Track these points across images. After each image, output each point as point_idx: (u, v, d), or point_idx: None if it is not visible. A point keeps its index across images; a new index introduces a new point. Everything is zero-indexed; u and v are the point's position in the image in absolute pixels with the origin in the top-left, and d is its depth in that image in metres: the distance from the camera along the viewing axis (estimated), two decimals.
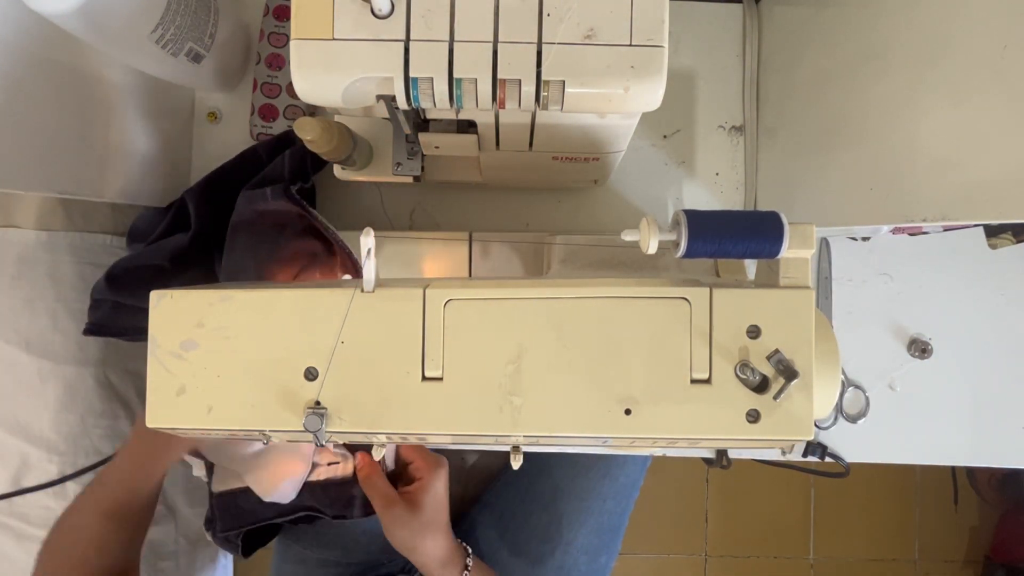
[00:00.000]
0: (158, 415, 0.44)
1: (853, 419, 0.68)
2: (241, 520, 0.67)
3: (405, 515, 0.60)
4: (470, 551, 0.66)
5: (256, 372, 0.43)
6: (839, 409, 0.68)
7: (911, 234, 0.67)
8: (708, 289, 0.42)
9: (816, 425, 0.68)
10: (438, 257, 0.64)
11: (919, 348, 0.68)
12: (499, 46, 0.38)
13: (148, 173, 0.64)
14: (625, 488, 0.83)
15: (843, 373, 0.68)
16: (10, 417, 0.73)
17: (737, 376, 0.41)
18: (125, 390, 0.80)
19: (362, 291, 0.43)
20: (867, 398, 0.68)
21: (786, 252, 0.41)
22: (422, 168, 0.60)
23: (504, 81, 0.38)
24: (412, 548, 0.61)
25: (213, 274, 0.66)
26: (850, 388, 0.68)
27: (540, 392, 0.42)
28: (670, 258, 0.42)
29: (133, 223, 0.70)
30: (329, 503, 0.65)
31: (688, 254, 0.40)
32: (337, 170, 0.62)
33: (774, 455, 0.68)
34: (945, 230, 0.65)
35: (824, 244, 0.68)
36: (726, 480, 1.56)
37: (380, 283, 0.43)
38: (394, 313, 0.43)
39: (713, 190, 0.69)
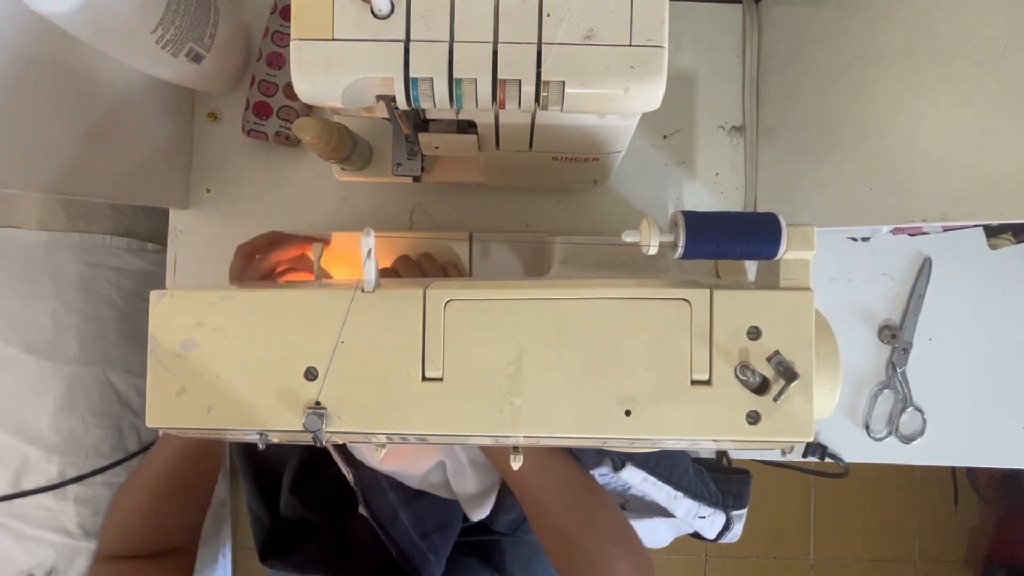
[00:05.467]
0: (158, 415, 0.44)
1: (907, 440, 0.68)
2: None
3: None
4: None
5: (256, 372, 0.43)
6: (895, 428, 0.68)
7: (911, 234, 0.67)
8: (708, 290, 0.42)
9: (871, 436, 0.68)
10: (438, 257, 0.64)
11: (888, 334, 0.68)
12: (499, 46, 0.38)
13: (148, 173, 0.64)
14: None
15: (909, 396, 0.68)
16: (10, 417, 0.73)
17: (737, 377, 0.41)
18: (125, 390, 0.80)
19: (362, 291, 0.43)
20: (925, 420, 0.68)
21: (787, 254, 0.41)
22: (422, 168, 0.60)
23: (504, 81, 0.38)
24: None
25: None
26: (909, 408, 0.68)
27: (540, 393, 0.42)
28: (670, 259, 0.42)
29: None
30: None
31: (687, 255, 0.40)
32: (337, 170, 0.63)
33: (774, 456, 0.68)
34: (945, 230, 0.65)
35: (927, 263, 0.68)
36: None
37: (380, 283, 0.43)
38: (394, 313, 0.43)
39: (713, 190, 0.69)
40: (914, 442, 0.68)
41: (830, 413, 0.50)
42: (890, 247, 0.69)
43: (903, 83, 0.49)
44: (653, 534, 0.76)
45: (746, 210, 0.68)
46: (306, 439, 0.44)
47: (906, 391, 0.67)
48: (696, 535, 0.75)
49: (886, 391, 0.68)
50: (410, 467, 0.67)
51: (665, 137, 0.69)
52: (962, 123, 0.44)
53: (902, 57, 0.49)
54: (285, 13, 0.67)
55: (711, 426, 0.41)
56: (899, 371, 0.67)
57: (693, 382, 0.41)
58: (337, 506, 0.72)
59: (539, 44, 0.38)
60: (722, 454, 0.75)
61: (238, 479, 1.40)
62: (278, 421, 0.43)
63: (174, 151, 0.67)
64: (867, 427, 0.68)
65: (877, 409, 0.68)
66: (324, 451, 0.74)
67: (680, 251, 0.40)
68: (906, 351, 0.68)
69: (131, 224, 0.82)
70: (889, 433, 0.68)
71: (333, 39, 0.38)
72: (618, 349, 0.42)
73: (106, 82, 0.59)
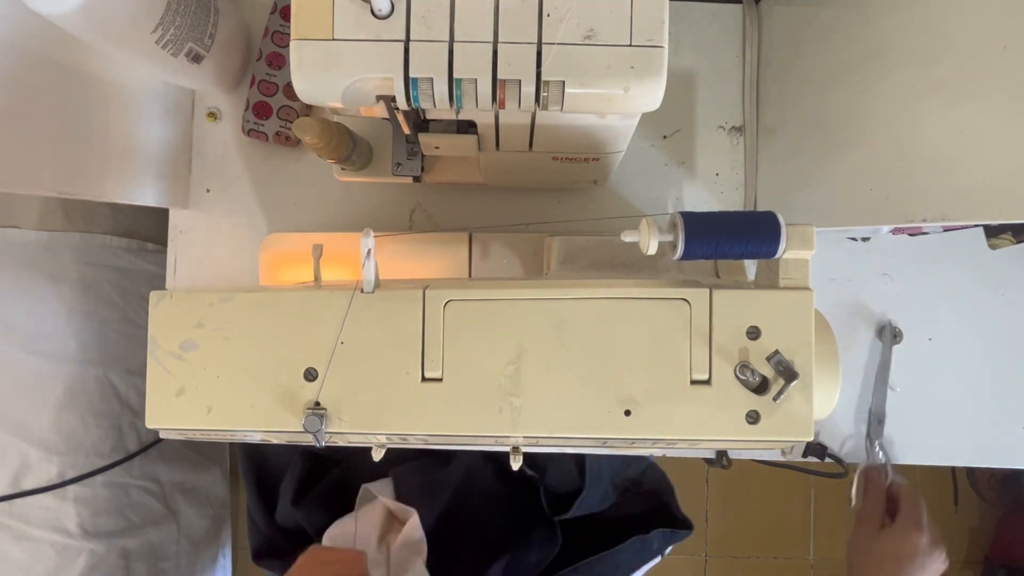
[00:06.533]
0: (158, 416, 0.44)
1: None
2: None
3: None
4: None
5: (256, 372, 0.43)
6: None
7: (911, 234, 0.66)
8: (708, 290, 0.42)
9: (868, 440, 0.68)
10: (438, 257, 0.64)
11: (891, 334, 0.68)
12: (499, 46, 0.38)
13: (148, 173, 0.64)
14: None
15: (889, 459, 0.68)
16: (10, 417, 0.73)
17: (737, 377, 0.41)
18: (125, 390, 0.80)
19: (362, 291, 0.43)
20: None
21: (786, 253, 0.41)
22: (422, 168, 0.60)
23: (504, 81, 0.38)
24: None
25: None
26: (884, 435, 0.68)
27: (540, 393, 0.42)
28: (670, 259, 0.42)
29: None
30: None
31: (686, 256, 0.40)
32: (336, 170, 0.63)
33: (774, 455, 0.68)
34: (945, 230, 0.65)
35: (888, 328, 0.68)
36: (726, 480, 1.56)
37: (380, 284, 0.43)
38: (394, 314, 0.43)
39: (713, 190, 0.69)
40: (909, 441, 0.68)
41: (830, 413, 0.50)
42: (890, 247, 0.69)
43: (903, 83, 0.49)
44: None
45: (746, 210, 0.68)
46: (306, 439, 0.44)
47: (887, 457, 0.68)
48: None
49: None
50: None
51: (665, 137, 0.69)
52: (962, 123, 0.44)
53: (902, 57, 0.49)
54: (285, 13, 0.67)
55: (711, 426, 0.41)
56: (876, 443, 0.68)
57: (693, 382, 0.42)
58: (336, 515, 0.72)
59: (539, 44, 0.38)
60: (722, 454, 0.75)
61: (239, 480, 1.40)
62: (278, 422, 0.43)
63: (174, 151, 0.67)
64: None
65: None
66: (326, 455, 0.74)
67: (679, 252, 0.40)
68: (880, 422, 0.68)
69: (131, 224, 0.83)
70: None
71: (333, 39, 0.38)
72: (618, 349, 0.42)
73: (106, 82, 0.59)
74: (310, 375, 0.43)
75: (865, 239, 0.68)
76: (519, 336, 0.42)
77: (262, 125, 0.67)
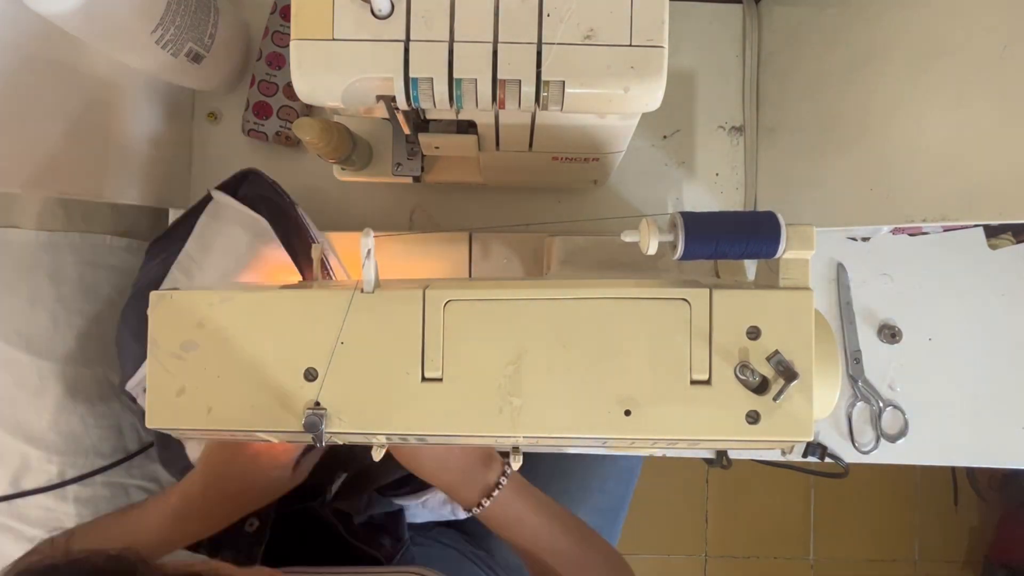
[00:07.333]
0: (158, 416, 0.44)
1: (893, 439, 0.68)
2: None
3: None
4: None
5: (256, 373, 0.43)
6: (879, 430, 0.68)
7: (911, 234, 0.67)
8: (708, 290, 0.42)
9: (858, 449, 0.68)
10: (438, 257, 0.64)
11: (888, 333, 0.68)
12: (499, 46, 0.38)
13: (148, 173, 0.64)
14: (625, 471, 0.83)
15: (878, 393, 0.68)
16: (10, 417, 0.73)
17: (737, 377, 0.41)
18: None
19: (362, 292, 0.43)
20: (906, 420, 0.68)
21: (786, 253, 0.41)
22: (422, 168, 0.60)
23: (504, 81, 0.38)
24: (444, 459, 0.55)
25: None
26: (888, 408, 0.68)
27: (540, 393, 0.42)
28: (670, 259, 0.42)
29: None
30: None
31: (686, 256, 0.40)
32: (337, 170, 0.63)
33: (774, 455, 0.68)
34: (945, 230, 0.65)
35: (841, 270, 0.68)
36: (726, 480, 1.56)
37: (380, 284, 0.43)
38: (394, 314, 0.43)
39: (713, 190, 0.69)
40: (909, 441, 0.68)
41: (830, 413, 0.50)
42: (890, 247, 0.69)
43: (903, 83, 0.49)
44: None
45: (746, 210, 0.68)
46: (306, 439, 0.44)
47: (875, 396, 0.68)
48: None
49: (859, 404, 0.68)
50: None
51: (665, 137, 0.69)
52: (962, 123, 0.44)
53: (902, 57, 0.49)
54: (285, 13, 0.67)
55: (711, 426, 0.41)
56: (859, 381, 0.68)
57: (693, 382, 0.41)
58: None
59: (539, 44, 0.38)
60: (722, 454, 0.75)
61: None
62: (278, 422, 0.43)
63: (174, 151, 0.67)
64: (854, 443, 0.68)
65: (856, 423, 0.68)
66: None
67: (679, 252, 0.40)
68: (857, 360, 0.68)
69: (131, 224, 0.82)
70: (876, 441, 0.68)
71: (333, 39, 0.38)
72: (618, 349, 0.42)
73: (106, 82, 0.59)
74: (310, 375, 0.43)
75: (865, 239, 0.68)
76: (519, 336, 0.42)
77: (262, 125, 0.67)
